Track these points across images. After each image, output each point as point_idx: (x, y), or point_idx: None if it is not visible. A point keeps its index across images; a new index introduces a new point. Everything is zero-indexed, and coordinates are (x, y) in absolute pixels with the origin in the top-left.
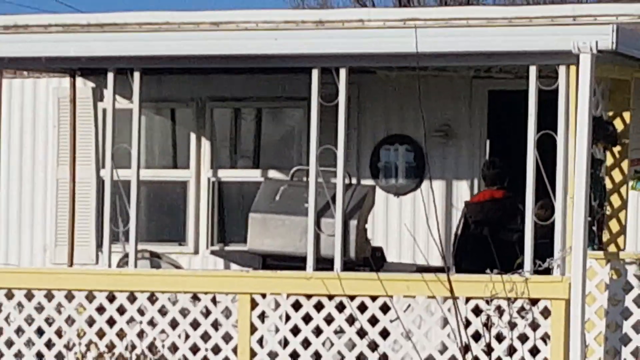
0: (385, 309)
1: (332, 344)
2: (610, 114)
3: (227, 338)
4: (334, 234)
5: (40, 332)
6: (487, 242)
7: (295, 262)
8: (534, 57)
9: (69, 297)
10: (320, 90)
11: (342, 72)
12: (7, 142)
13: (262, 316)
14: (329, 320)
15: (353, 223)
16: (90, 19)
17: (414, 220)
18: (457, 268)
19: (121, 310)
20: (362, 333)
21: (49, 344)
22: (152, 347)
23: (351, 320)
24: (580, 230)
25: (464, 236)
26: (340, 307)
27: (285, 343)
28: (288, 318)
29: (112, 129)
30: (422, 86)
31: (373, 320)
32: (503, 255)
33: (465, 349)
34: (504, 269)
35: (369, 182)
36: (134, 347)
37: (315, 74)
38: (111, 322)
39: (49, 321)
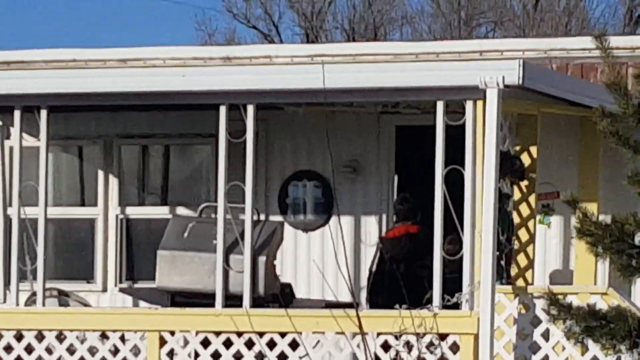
0: (294, 345)
1: None
2: (518, 148)
3: None
4: (242, 271)
5: None
6: (403, 277)
7: (204, 299)
8: (441, 93)
9: None
10: (228, 126)
11: (250, 109)
12: None
13: (171, 354)
14: (238, 357)
15: (262, 259)
16: None
17: (322, 256)
18: (373, 304)
19: (29, 350)
20: None
21: None
22: None
23: (260, 356)
24: (489, 264)
25: (380, 272)
26: (250, 344)
27: None
28: (197, 355)
29: (19, 167)
30: (330, 122)
31: (282, 357)
32: (419, 291)
33: None
34: (419, 304)
35: (278, 218)
36: None
37: (222, 110)
38: None
39: None
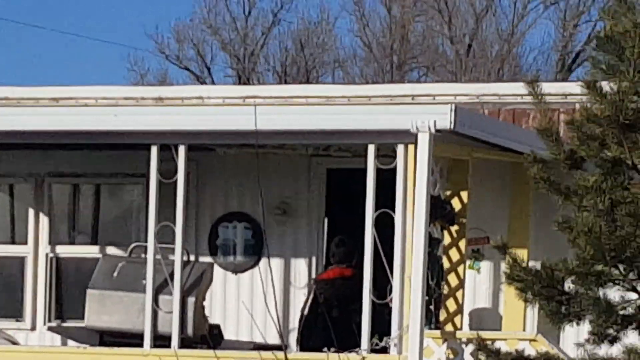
0: None
1: None
2: (448, 193)
3: None
4: (171, 311)
5: None
6: (336, 321)
7: (133, 339)
8: (372, 136)
9: None
10: (159, 166)
11: (181, 149)
12: None
13: None
14: None
15: (191, 300)
16: None
17: (252, 298)
18: (304, 347)
19: None
20: None
21: None
22: None
23: None
24: (418, 309)
25: (312, 314)
26: None
27: None
28: None
29: None
30: (261, 164)
31: None
32: (351, 335)
33: None
34: (351, 348)
35: (208, 259)
36: None
37: (154, 150)
38: None
39: None
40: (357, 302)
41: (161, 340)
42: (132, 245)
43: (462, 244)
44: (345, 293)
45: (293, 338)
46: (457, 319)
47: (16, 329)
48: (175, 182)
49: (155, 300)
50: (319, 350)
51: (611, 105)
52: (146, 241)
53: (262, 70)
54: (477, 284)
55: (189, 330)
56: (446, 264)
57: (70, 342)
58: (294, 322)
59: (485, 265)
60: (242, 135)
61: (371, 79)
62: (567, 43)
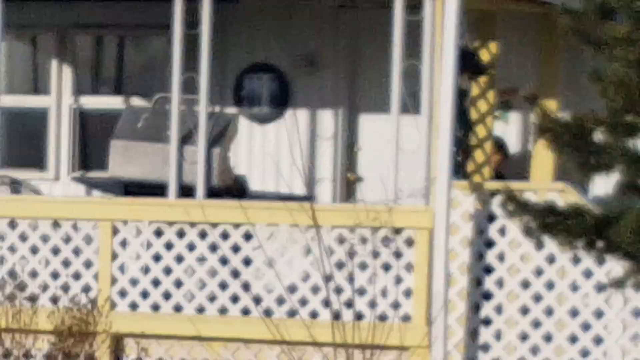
0: (248, 237)
1: (194, 271)
2: (476, 44)
3: (88, 264)
4: (196, 162)
5: None
6: None
7: (157, 190)
8: None
9: None
10: (183, 17)
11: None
12: None
13: (124, 243)
14: (191, 247)
15: (216, 151)
16: None
17: (277, 149)
18: None
19: None
20: (224, 261)
21: None
22: (12, 273)
23: (213, 247)
24: (445, 159)
25: None
26: (203, 235)
27: (146, 270)
28: (150, 245)
29: None
30: (288, 15)
31: (236, 248)
32: None
33: (328, 277)
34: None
35: (233, 110)
36: None
37: (178, 1)
38: None
39: None
40: None
41: (186, 191)
42: (157, 96)
43: (491, 95)
44: None
45: (319, 189)
46: (485, 170)
47: (39, 179)
48: (200, 33)
49: (180, 151)
50: None
51: None
52: (170, 92)
53: None
54: (505, 135)
55: (214, 181)
56: (474, 115)
57: (95, 193)
58: (320, 172)
59: (514, 117)
60: None
61: None
62: None
